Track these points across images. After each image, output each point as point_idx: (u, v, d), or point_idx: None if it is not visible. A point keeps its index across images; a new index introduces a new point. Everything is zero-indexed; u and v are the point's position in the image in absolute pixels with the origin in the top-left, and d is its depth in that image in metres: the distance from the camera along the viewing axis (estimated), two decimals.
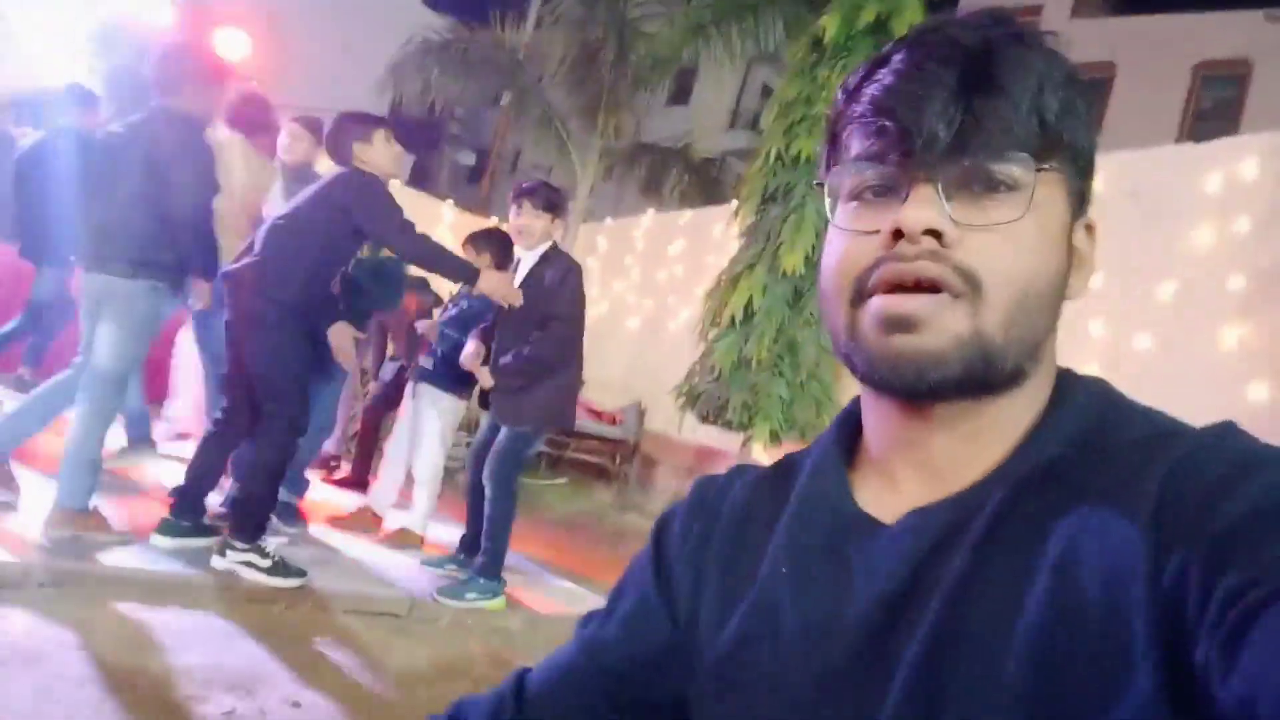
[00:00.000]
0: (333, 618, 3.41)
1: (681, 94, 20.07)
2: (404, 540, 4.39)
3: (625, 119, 10.09)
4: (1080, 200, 0.64)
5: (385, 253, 4.33)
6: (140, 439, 4.59)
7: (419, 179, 18.31)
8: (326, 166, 3.76)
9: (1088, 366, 4.98)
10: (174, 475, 3.86)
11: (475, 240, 4.67)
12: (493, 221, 9.31)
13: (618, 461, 7.46)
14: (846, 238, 0.63)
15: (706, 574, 0.72)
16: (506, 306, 3.79)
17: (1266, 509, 0.48)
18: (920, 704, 0.54)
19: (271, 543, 3.50)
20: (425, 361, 4.56)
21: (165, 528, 3.44)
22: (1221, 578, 0.46)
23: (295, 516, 4.11)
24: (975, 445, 0.62)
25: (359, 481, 5.28)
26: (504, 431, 3.89)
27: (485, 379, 3.93)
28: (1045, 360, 0.63)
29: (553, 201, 3.97)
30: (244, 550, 3.34)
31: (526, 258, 4.00)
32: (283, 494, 3.89)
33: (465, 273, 3.65)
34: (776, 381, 5.66)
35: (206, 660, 2.79)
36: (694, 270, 8.14)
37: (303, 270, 3.39)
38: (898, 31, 5.70)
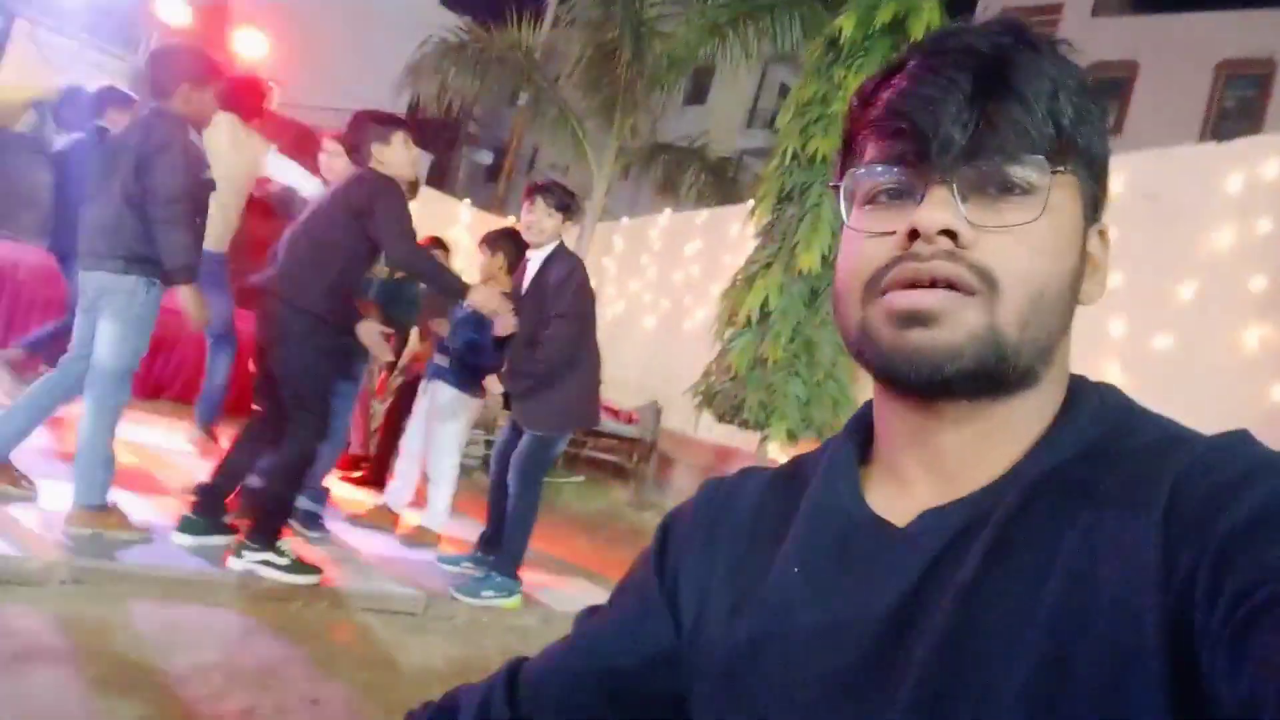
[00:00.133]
0: (350, 615, 3.43)
1: (698, 94, 20.07)
2: (421, 538, 4.42)
3: (642, 119, 10.10)
4: (1094, 206, 0.64)
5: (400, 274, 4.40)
6: None
7: (436, 178, 18.37)
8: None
9: (1108, 366, 4.97)
10: (196, 474, 3.90)
11: (491, 240, 4.69)
12: (510, 220, 9.34)
13: (635, 460, 7.47)
14: (862, 239, 0.63)
15: (713, 574, 0.72)
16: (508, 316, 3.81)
17: (1273, 512, 0.49)
18: (931, 706, 0.54)
19: (287, 542, 3.52)
20: (440, 360, 4.58)
21: (186, 525, 3.47)
22: (1227, 580, 0.47)
23: (317, 524, 4.14)
24: (986, 446, 0.62)
25: (378, 480, 5.31)
26: (529, 435, 3.90)
27: (495, 385, 3.94)
28: (1057, 364, 0.63)
29: (565, 202, 3.98)
30: (260, 550, 3.37)
31: (535, 257, 4.01)
32: (306, 502, 3.92)
33: (453, 288, 3.70)
34: (793, 381, 5.66)
35: (225, 657, 2.82)
36: (710, 269, 8.14)
37: (326, 277, 3.41)
38: (914, 31, 5.68)
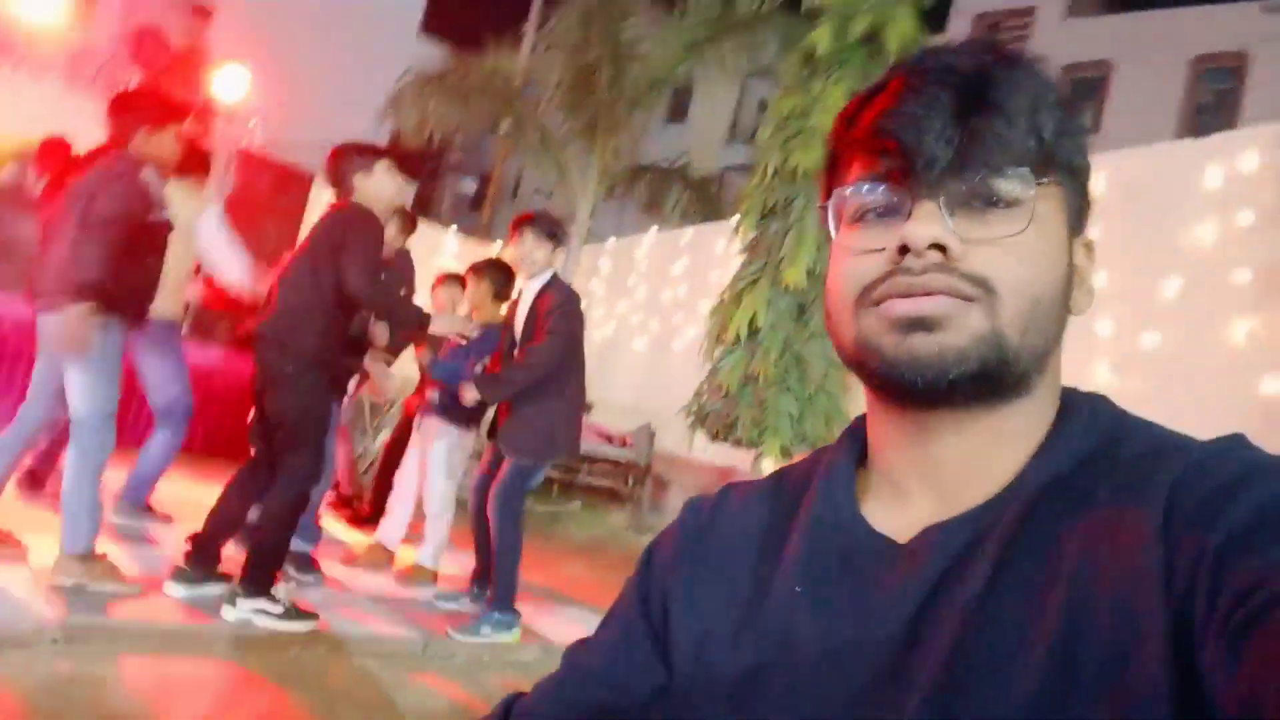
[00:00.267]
0: (348, 659, 3.40)
1: (679, 112, 20.17)
2: (417, 576, 4.38)
3: (623, 140, 10.14)
4: (1078, 217, 0.65)
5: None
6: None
7: (421, 208, 18.41)
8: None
9: (1097, 367, 4.97)
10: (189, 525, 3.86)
11: (476, 269, 4.69)
12: (496, 246, 9.34)
13: (630, 484, 7.44)
14: (851, 256, 0.63)
15: (709, 596, 0.71)
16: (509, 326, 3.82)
17: (1271, 514, 0.49)
18: (940, 717, 0.54)
19: (282, 588, 3.48)
20: (432, 395, 4.56)
21: (180, 576, 3.43)
22: (1226, 582, 0.47)
23: (309, 566, 4.09)
24: (983, 456, 0.62)
25: (376, 517, 5.27)
26: (507, 463, 3.88)
27: (469, 394, 3.92)
28: (1050, 373, 0.63)
29: (553, 231, 4.02)
30: (255, 598, 3.33)
31: (529, 288, 4.02)
32: (299, 544, 3.88)
33: (413, 319, 3.74)
34: (784, 397, 5.65)
35: (223, 708, 2.78)
36: (698, 287, 8.15)
37: (317, 318, 3.41)
38: (889, 43, 5.72)
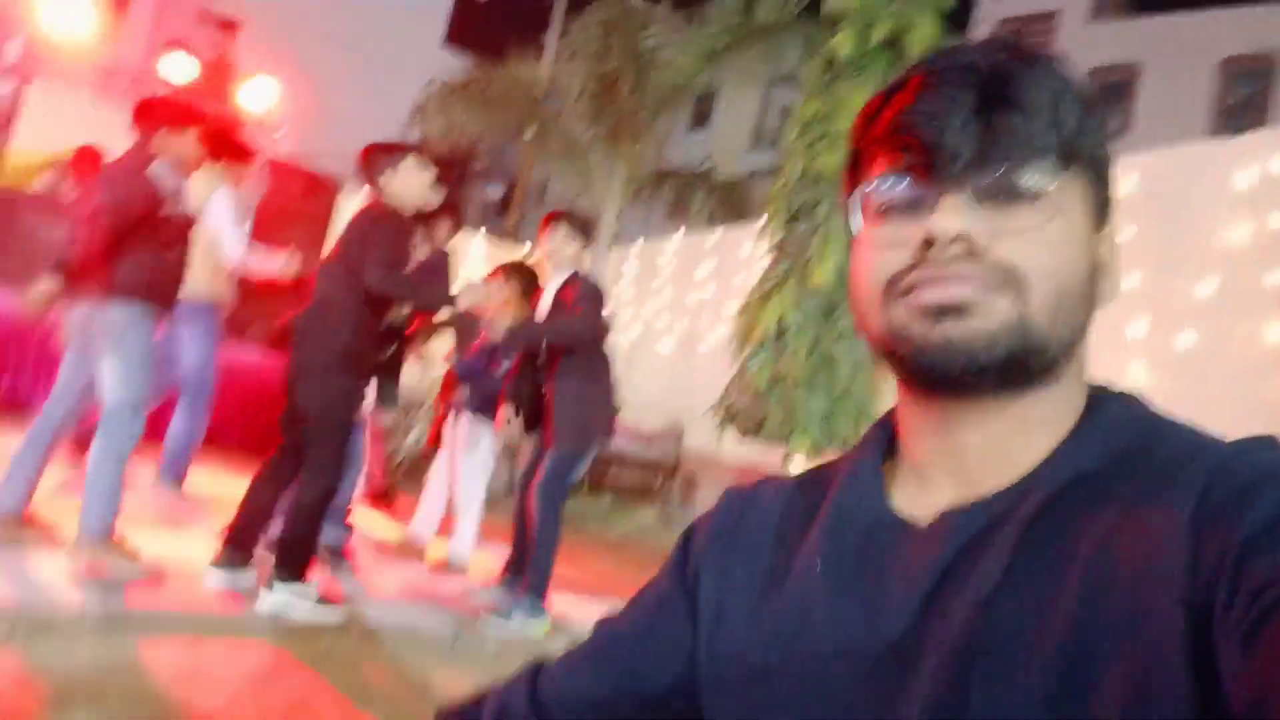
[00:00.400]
0: (380, 648, 3.42)
1: (702, 118, 20.23)
2: (447, 569, 4.41)
3: (647, 146, 10.19)
4: (1101, 211, 0.65)
5: None
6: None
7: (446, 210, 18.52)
8: None
9: (1130, 367, 4.93)
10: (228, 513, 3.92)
11: (504, 270, 4.73)
12: (524, 249, 9.40)
13: (660, 481, 7.46)
14: (876, 251, 0.64)
15: (733, 579, 0.72)
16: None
17: None
18: (949, 705, 0.54)
19: (315, 578, 3.52)
20: (462, 393, 4.60)
21: (216, 565, 3.48)
22: (1245, 578, 0.47)
23: (341, 559, 4.14)
24: (1008, 444, 0.62)
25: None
26: (549, 456, 3.92)
27: (499, 333, 3.88)
28: (1077, 364, 0.64)
29: (584, 228, 4.09)
30: (288, 586, 3.37)
31: (553, 282, 4.06)
32: (329, 536, 3.92)
33: (439, 298, 3.78)
34: (814, 396, 5.65)
35: (256, 694, 2.81)
36: (724, 289, 8.16)
37: (350, 314, 3.45)
38: (911, 47, 5.73)
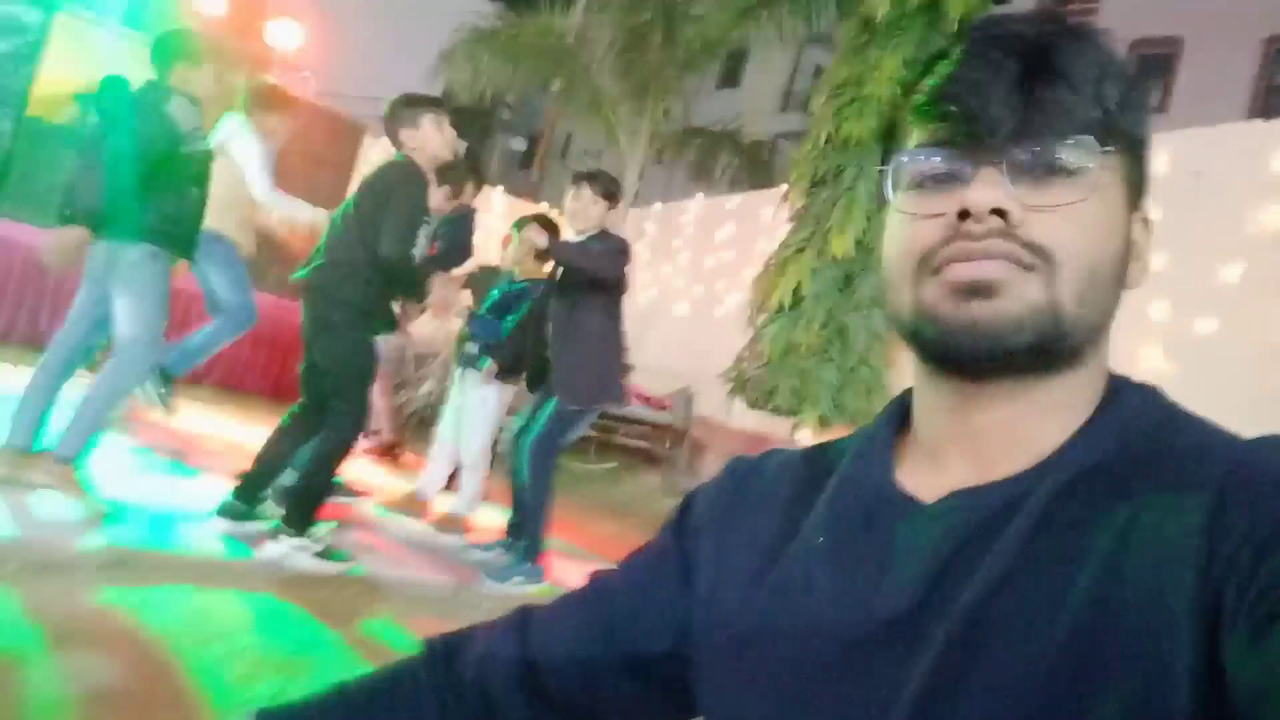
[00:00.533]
0: (380, 601, 3.46)
1: (732, 77, 19.93)
2: (451, 525, 4.44)
3: (674, 103, 10.06)
4: (1137, 192, 0.64)
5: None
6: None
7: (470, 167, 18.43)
8: None
9: (1149, 350, 4.86)
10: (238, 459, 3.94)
11: (522, 225, 4.68)
12: (542, 207, 9.34)
13: (667, 446, 7.46)
14: (910, 222, 0.63)
15: (735, 545, 0.72)
16: (552, 277, 3.90)
17: None
18: (948, 683, 0.54)
19: (321, 528, 3.55)
20: (470, 349, 4.59)
21: (225, 510, 3.51)
22: (1257, 575, 0.47)
23: (344, 489, 4.18)
24: (1026, 427, 0.62)
25: None
26: (544, 415, 3.91)
27: (540, 240, 3.90)
28: (1101, 348, 0.63)
29: (611, 190, 4.06)
30: (294, 536, 3.40)
31: (575, 240, 4.03)
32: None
33: (457, 259, 4.10)
34: (826, 367, 5.62)
35: (258, 641, 2.85)
36: (744, 255, 8.09)
37: (364, 268, 3.44)
38: (950, 11, 5.59)
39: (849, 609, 0.61)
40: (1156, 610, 0.50)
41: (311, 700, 0.78)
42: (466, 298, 4.48)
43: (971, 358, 0.60)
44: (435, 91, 10.42)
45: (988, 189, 0.58)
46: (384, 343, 4.95)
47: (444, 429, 4.77)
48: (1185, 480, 0.54)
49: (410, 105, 3.62)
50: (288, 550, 3.39)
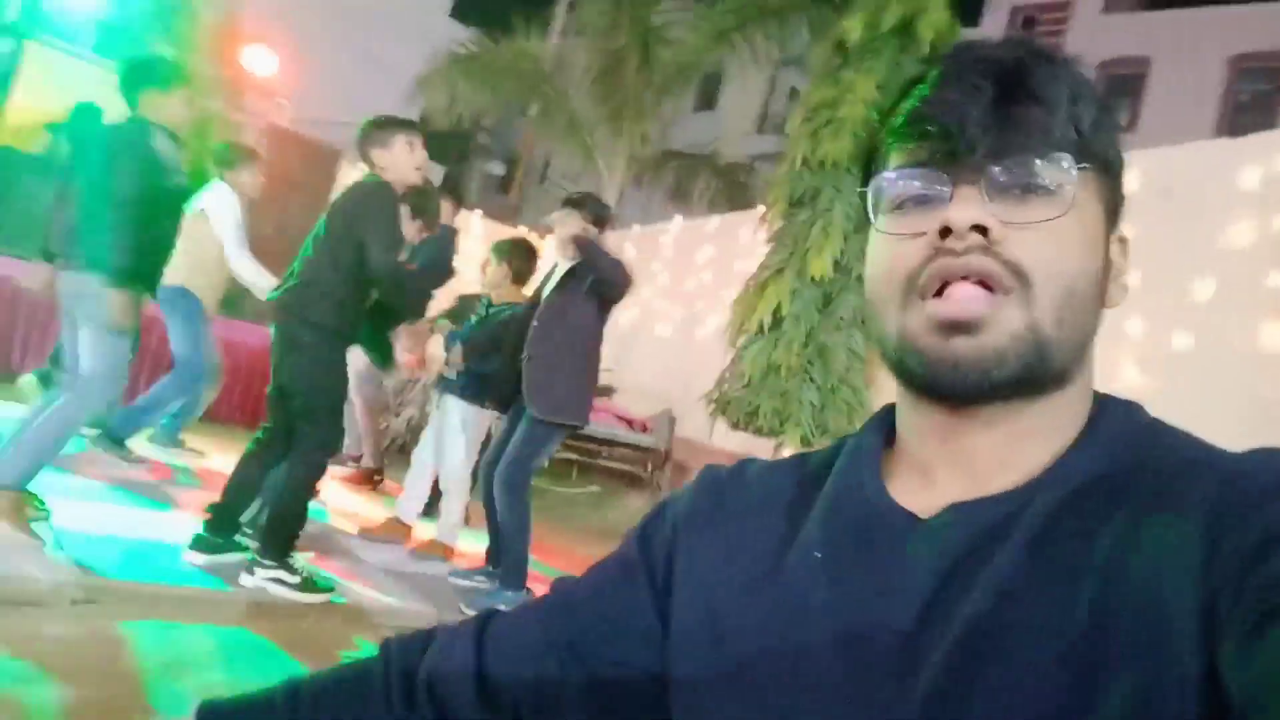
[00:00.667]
0: (362, 631, 3.41)
1: (708, 100, 20.06)
2: (432, 551, 4.39)
3: (651, 126, 10.11)
4: (1113, 213, 0.66)
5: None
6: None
7: (448, 190, 18.41)
8: None
9: (1125, 366, 4.90)
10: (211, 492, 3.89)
11: (500, 249, 4.67)
12: (521, 231, 9.34)
13: (649, 469, 7.44)
14: (892, 242, 0.64)
15: (715, 553, 0.71)
16: (535, 309, 3.87)
17: None
18: (953, 696, 0.53)
19: (300, 559, 3.50)
20: (449, 372, 4.56)
21: (198, 543, 3.45)
22: (1253, 577, 0.48)
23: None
24: (1018, 447, 0.62)
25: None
26: (516, 438, 3.88)
27: (574, 227, 3.90)
28: (1086, 366, 0.64)
29: (600, 214, 4.03)
30: (272, 567, 3.35)
31: (562, 266, 4.01)
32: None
33: (439, 281, 3.93)
34: (807, 387, 5.62)
35: (237, 676, 2.80)
36: (723, 276, 8.11)
37: (335, 290, 3.40)
38: (922, 33, 5.65)
39: (850, 624, 0.60)
40: (1158, 619, 0.50)
41: (259, 695, 0.77)
42: (437, 344, 4.46)
43: (957, 392, 0.61)
44: (412, 115, 10.45)
45: (968, 206, 0.59)
46: (365, 368, 4.94)
47: (423, 450, 4.72)
48: (1181, 492, 0.55)
49: (383, 126, 3.61)
50: (266, 581, 3.34)
